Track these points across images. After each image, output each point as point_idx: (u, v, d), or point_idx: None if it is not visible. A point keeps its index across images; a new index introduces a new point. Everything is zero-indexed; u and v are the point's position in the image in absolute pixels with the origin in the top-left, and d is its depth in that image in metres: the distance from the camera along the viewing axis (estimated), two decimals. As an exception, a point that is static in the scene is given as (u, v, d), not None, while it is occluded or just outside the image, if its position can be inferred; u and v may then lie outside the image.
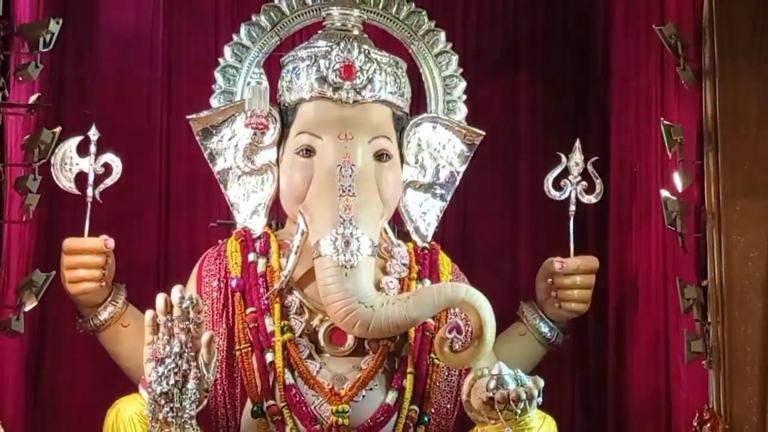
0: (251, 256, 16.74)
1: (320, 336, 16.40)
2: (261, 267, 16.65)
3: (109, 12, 18.89)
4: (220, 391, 16.14)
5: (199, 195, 17.82)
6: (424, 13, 17.69)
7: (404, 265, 16.69)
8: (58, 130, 16.19)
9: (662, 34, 16.26)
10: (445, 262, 17.02)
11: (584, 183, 17.37)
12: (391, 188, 16.86)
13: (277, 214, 17.02)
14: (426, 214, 17.32)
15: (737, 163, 15.65)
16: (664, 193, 16.13)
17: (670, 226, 16.11)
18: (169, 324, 15.07)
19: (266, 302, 16.43)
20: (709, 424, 15.27)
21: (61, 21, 16.05)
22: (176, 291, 15.59)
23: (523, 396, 15.69)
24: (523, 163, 18.40)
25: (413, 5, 17.67)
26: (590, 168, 17.41)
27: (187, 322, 15.06)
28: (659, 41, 16.44)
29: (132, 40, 18.87)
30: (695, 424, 15.50)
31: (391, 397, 16.29)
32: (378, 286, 16.08)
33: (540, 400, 15.79)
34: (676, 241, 16.19)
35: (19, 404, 15.98)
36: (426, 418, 16.49)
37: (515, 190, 18.46)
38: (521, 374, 15.87)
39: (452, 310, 16.18)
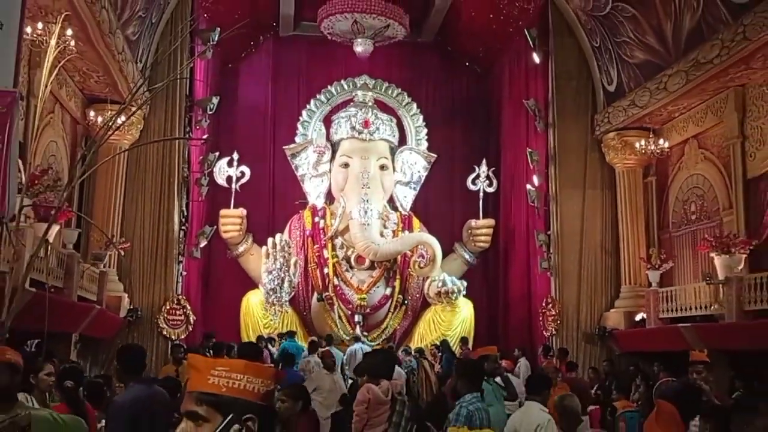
0: (316, 219, 16.97)
1: (352, 259, 16.58)
2: (321, 224, 16.81)
3: (243, 92, 18.82)
4: (301, 288, 16.30)
5: (289, 187, 17.74)
6: (405, 93, 17.68)
7: (395, 223, 16.83)
8: (216, 153, 16.12)
9: (528, 104, 16.11)
10: (416, 221, 17.14)
11: (487, 181, 17.41)
12: (388, 184, 16.92)
13: (329, 197, 17.15)
14: (406, 197, 17.28)
15: (566, 170, 15.45)
16: (528, 186, 15.98)
17: (531, 203, 15.98)
18: (274, 253, 15.36)
19: (324, 242, 16.65)
20: (551, 305, 15.20)
21: (218, 97, 16.05)
22: (278, 236, 15.82)
23: (455, 290, 15.94)
24: (456, 171, 18.26)
25: (400, 89, 17.76)
26: (491, 174, 17.49)
27: (283, 252, 15.30)
28: (526, 108, 16.27)
29: (255, 106, 18.80)
30: (544, 304, 15.41)
31: (388, 291, 16.51)
32: (381, 234, 16.32)
33: (464, 292, 16.08)
34: (534, 210, 16.04)
35: (197, 297, 15.96)
36: (406, 302, 16.67)
37: (452, 184, 18.36)
38: (455, 279, 16.07)
39: (420, 246, 16.52)
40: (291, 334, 14.31)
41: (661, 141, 14.35)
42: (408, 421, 5.80)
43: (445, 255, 16.63)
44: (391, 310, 16.64)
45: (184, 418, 1.82)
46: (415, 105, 17.77)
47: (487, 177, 17.43)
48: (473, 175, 17.44)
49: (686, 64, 12.45)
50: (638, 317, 14.42)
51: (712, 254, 11.97)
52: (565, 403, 5.38)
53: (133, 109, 12.12)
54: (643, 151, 14.56)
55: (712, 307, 12.07)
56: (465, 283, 16.50)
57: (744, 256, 11.76)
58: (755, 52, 11.04)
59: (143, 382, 5.41)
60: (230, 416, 1.78)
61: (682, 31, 12.50)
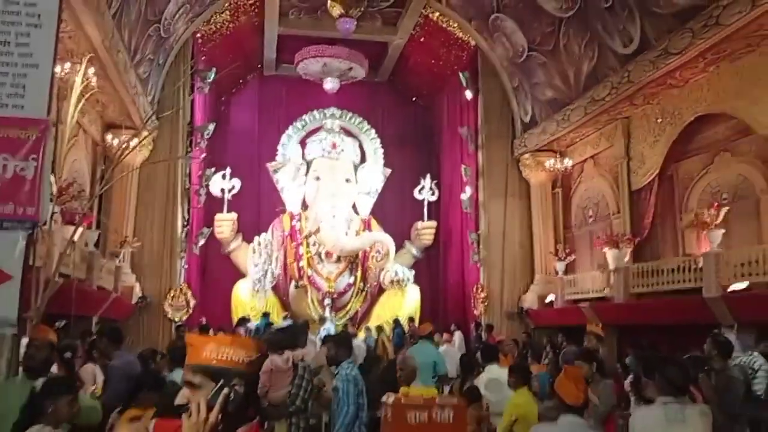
0: (294, 222, 16.83)
1: (322, 254, 16.44)
2: (298, 226, 16.63)
3: (234, 119, 18.57)
4: (281, 278, 16.10)
5: (272, 196, 17.51)
6: (366, 121, 17.65)
7: (357, 225, 16.76)
8: (212, 169, 15.93)
9: (462, 131, 16.27)
10: (374, 223, 17.08)
11: (431, 191, 17.46)
12: (352, 194, 16.84)
13: (304, 204, 16.87)
14: (366, 204, 17.19)
15: (491, 183, 15.54)
16: (462, 196, 16.09)
17: (465, 209, 16.11)
18: (260, 250, 15.19)
19: (300, 241, 16.49)
20: (480, 290, 15.30)
21: (214, 124, 15.88)
22: (263, 236, 15.64)
23: (405, 279, 15.94)
24: (406, 183, 17.97)
25: (362, 118, 17.68)
26: (433, 185, 17.55)
27: (267, 249, 15.11)
28: (460, 134, 16.40)
29: (244, 131, 18.52)
30: (475, 289, 15.50)
31: (351, 280, 16.43)
32: (346, 234, 16.24)
33: (412, 280, 16.08)
34: (467, 215, 16.16)
35: (197, 285, 15.44)
36: (366, 288, 16.59)
37: (402, 194, 18.09)
38: (405, 269, 16.07)
39: (377, 243, 16.52)
40: (265, 315, 14.28)
41: (565, 160, 14.63)
42: (308, 383, 5.64)
43: (397, 250, 16.66)
44: (354, 295, 16.62)
45: (184, 386, 1.83)
46: (373, 131, 17.80)
47: (431, 188, 17.51)
48: (419, 187, 17.50)
49: (584, 101, 12.74)
50: (548, 299, 14.64)
51: (605, 249, 12.28)
52: (406, 361, 5.59)
53: (144, 133, 12.03)
54: (552, 169, 14.83)
55: (605, 290, 12.37)
56: (413, 273, 16.60)
57: (629, 250, 12.07)
58: (637, 92, 11.37)
59: (121, 351, 5.86)
60: (221, 382, 1.80)
61: (582, 75, 12.79)
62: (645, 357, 5.14)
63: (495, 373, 6.20)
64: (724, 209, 9.79)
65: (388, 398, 4.80)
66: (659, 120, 11.74)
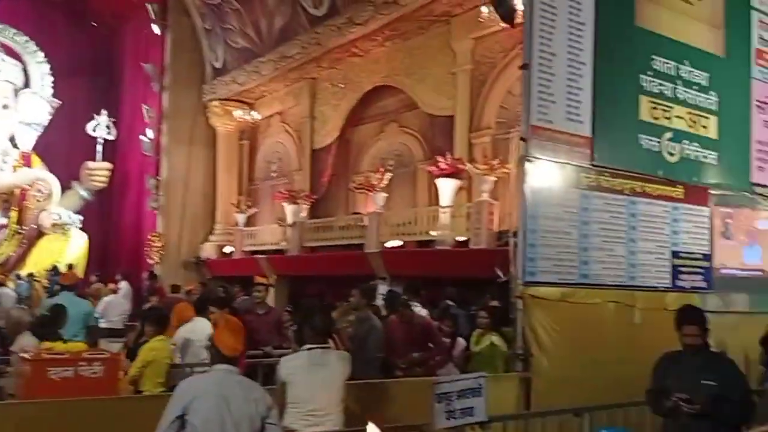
0: None
1: None
2: None
3: None
4: None
5: None
6: (34, 42, 15.46)
7: (15, 159, 14.70)
8: None
9: (147, 67, 15.20)
10: (36, 159, 15.15)
11: (107, 129, 15.66)
12: (9, 123, 14.61)
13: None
14: (28, 136, 15.06)
15: (176, 127, 14.96)
16: (143, 137, 15.16)
17: (145, 152, 15.24)
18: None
19: None
20: (157, 238, 14.84)
21: None
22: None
23: (70, 223, 14.47)
24: (78, 118, 15.56)
25: (28, 37, 15.44)
26: (110, 123, 15.50)
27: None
28: (144, 72, 15.29)
29: None
30: (150, 237, 14.83)
31: (5, 220, 14.40)
32: (0, 168, 14.24)
33: (78, 224, 14.58)
34: (146, 158, 15.41)
35: None
36: (22, 231, 14.67)
37: (74, 129, 15.57)
38: (70, 213, 14.43)
39: (39, 182, 14.67)
40: None
41: (254, 113, 14.88)
42: None
43: (63, 191, 15.10)
44: (7, 238, 14.70)
45: None
46: (42, 54, 15.60)
47: (107, 126, 15.96)
48: (93, 123, 15.72)
49: (275, 56, 13.03)
50: (227, 249, 14.85)
51: (285, 203, 12.85)
52: (8, 313, 5.40)
53: None
54: (240, 120, 14.97)
55: (282, 243, 12.98)
56: (81, 217, 15.24)
57: (307, 206, 12.83)
58: (324, 55, 12.02)
59: None
60: None
61: (274, 29, 13.02)
62: (301, 307, 5.52)
63: (202, 323, 5.71)
64: (389, 174, 10.97)
65: (25, 353, 4.35)
66: (342, 85, 12.56)
